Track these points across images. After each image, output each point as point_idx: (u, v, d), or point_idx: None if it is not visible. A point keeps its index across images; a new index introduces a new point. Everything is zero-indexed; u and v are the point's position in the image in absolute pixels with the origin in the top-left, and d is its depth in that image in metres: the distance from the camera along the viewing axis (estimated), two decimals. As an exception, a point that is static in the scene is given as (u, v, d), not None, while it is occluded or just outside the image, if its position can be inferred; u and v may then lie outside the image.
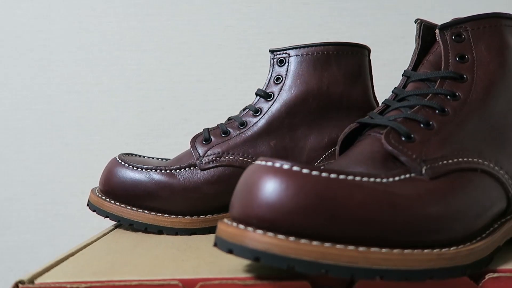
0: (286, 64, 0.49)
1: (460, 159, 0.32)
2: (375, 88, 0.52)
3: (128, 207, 0.45)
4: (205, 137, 0.48)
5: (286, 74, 0.49)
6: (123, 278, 0.30)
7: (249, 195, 0.27)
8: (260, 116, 0.48)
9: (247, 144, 0.47)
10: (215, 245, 0.28)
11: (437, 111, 0.33)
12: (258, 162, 0.28)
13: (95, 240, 0.42)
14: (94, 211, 0.47)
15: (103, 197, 0.46)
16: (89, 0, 0.77)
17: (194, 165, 0.46)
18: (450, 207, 0.29)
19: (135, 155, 0.52)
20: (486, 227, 0.32)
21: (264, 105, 0.49)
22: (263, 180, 0.26)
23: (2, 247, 0.80)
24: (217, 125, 0.49)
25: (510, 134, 0.35)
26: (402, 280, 0.26)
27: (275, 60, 0.50)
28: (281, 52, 0.50)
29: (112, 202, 0.46)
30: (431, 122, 0.33)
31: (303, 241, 0.25)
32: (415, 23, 0.39)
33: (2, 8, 0.78)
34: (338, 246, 0.25)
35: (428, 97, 0.35)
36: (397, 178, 0.29)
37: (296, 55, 0.49)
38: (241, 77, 0.73)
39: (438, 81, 0.35)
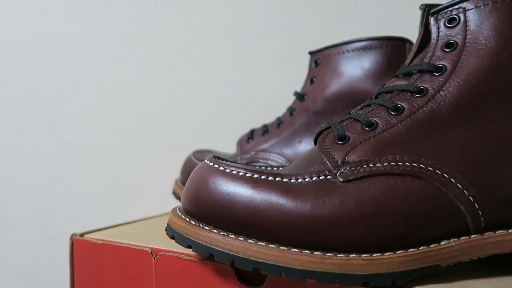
0: (319, 64, 0.50)
1: (393, 163, 0.29)
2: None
3: None
4: (248, 137, 0.52)
5: (318, 74, 0.50)
6: (121, 241, 0.37)
7: (185, 188, 0.32)
8: (293, 116, 0.51)
9: (279, 143, 0.50)
10: None
11: (391, 111, 0.31)
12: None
13: (157, 216, 0.51)
14: (173, 193, 0.56)
15: (179, 185, 0.55)
16: (89, 0, 0.77)
17: (236, 162, 0.50)
18: (351, 212, 0.28)
19: (209, 151, 0.59)
20: (423, 241, 0.29)
21: (298, 105, 0.51)
22: (192, 175, 0.31)
23: (2, 247, 0.80)
24: (262, 125, 0.53)
25: (485, 137, 0.30)
26: (278, 275, 0.27)
27: (312, 61, 0.52)
28: (317, 53, 0.51)
29: (182, 188, 0.53)
30: (374, 122, 0.31)
31: (206, 228, 0.29)
32: (420, 9, 0.34)
33: (2, 8, 0.78)
34: (231, 235, 0.28)
35: (391, 94, 0.32)
36: (307, 179, 0.29)
37: (325, 56, 0.50)
38: (241, 77, 0.73)
39: (413, 75, 0.32)
